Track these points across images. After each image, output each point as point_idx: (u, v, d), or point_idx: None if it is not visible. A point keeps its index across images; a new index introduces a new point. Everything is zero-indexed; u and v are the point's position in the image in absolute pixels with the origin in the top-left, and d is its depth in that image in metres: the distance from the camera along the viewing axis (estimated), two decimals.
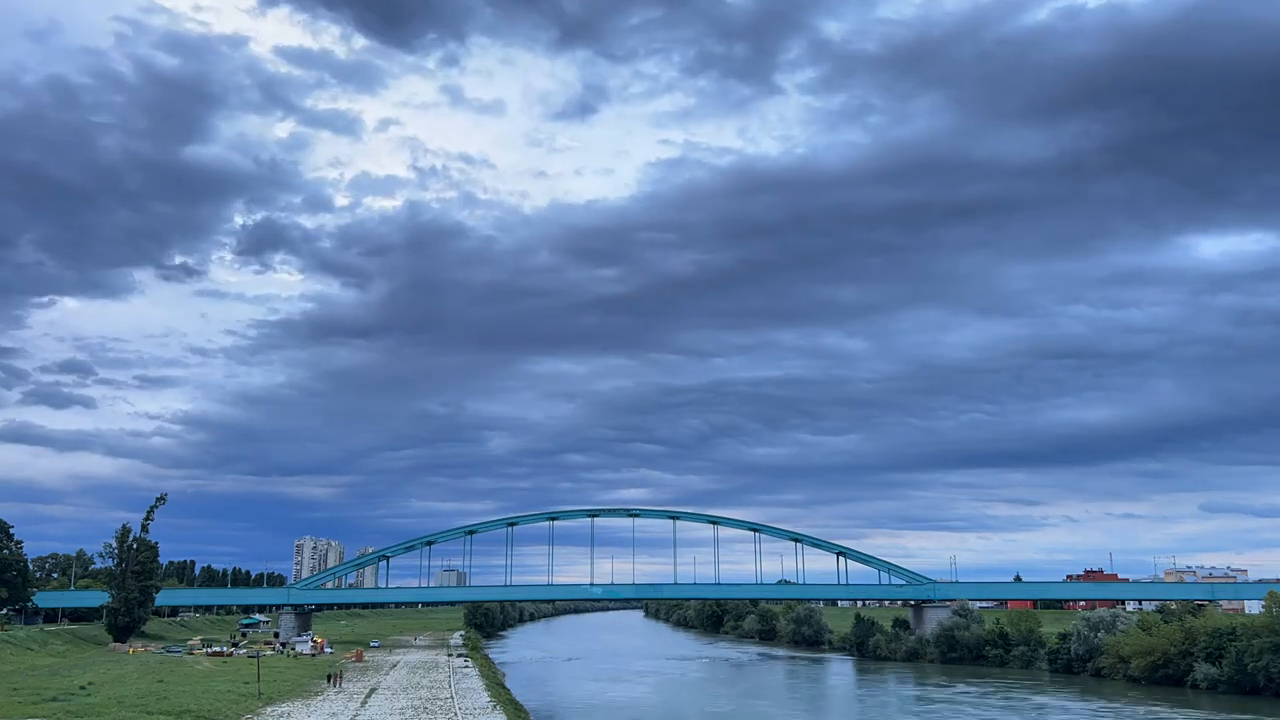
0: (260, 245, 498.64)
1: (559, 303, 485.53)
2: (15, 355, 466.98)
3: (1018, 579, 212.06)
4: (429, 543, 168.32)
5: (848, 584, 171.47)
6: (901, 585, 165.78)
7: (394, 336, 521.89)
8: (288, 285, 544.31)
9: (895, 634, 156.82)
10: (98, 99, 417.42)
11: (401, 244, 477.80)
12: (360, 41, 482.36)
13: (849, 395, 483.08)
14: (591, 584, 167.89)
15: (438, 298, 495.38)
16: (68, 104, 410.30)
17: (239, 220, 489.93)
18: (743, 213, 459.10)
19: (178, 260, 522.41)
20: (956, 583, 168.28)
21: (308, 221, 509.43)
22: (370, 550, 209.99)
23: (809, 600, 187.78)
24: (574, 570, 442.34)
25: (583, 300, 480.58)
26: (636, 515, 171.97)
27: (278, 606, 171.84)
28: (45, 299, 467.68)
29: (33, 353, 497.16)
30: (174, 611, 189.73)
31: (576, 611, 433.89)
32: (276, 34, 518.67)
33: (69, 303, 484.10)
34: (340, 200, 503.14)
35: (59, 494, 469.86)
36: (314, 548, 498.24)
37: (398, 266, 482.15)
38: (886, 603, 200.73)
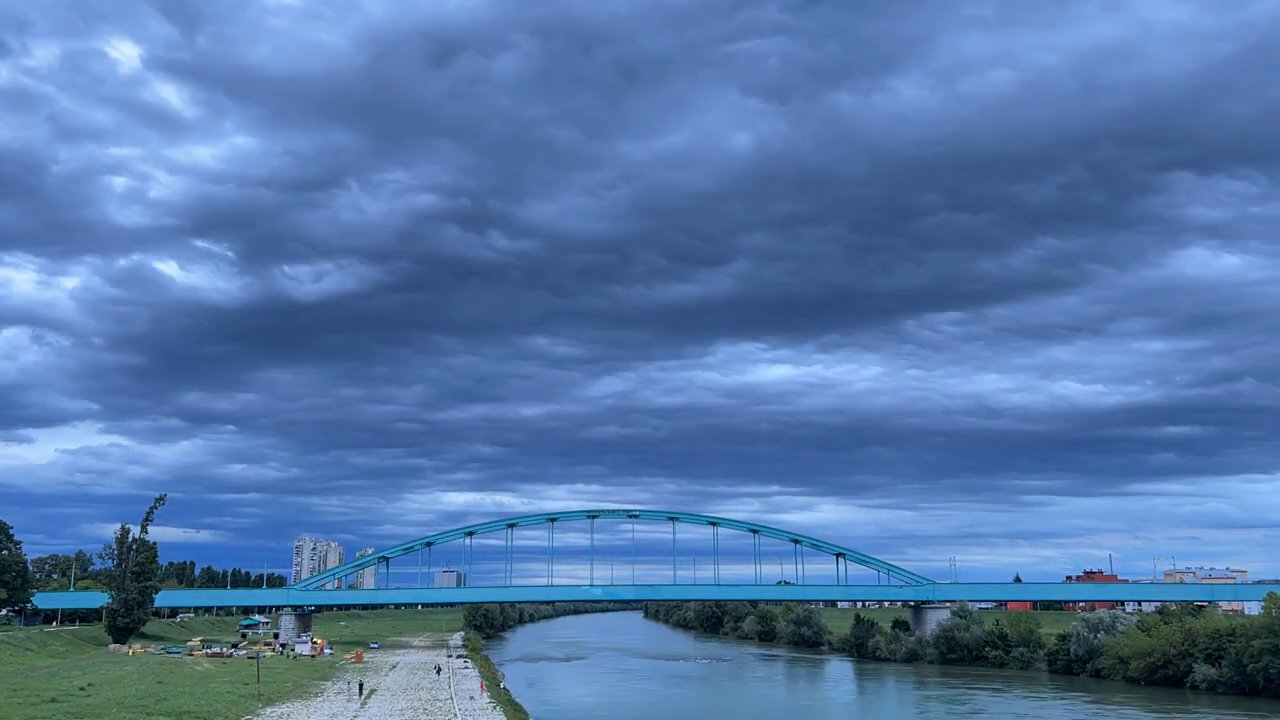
0: None
1: None
2: None
3: (1017, 580, 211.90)
4: (428, 544, 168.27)
5: (847, 585, 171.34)
6: (901, 586, 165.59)
7: None
8: None
9: (895, 635, 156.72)
10: None
11: None
12: None
13: None
14: (591, 585, 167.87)
15: None
16: None
17: None
18: None
19: None
20: (956, 584, 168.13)
21: None
22: (370, 551, 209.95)
23: (808, 601, 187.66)
24: (573, 573, 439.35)
25: None
26: (636, 516, 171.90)
27: (278, 608, 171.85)
28: None
29: None
30: (174, 612, 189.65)
31: (576, 613, 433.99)
32: None
33: None
34: None
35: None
36: (314, 549, 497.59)
37: None
38: (886, 604, 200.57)
